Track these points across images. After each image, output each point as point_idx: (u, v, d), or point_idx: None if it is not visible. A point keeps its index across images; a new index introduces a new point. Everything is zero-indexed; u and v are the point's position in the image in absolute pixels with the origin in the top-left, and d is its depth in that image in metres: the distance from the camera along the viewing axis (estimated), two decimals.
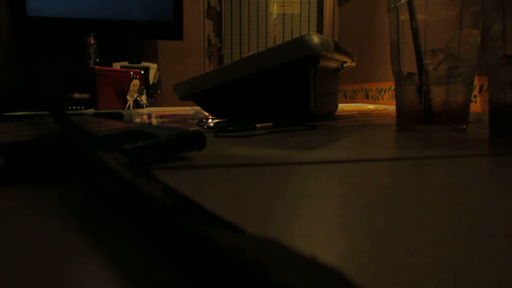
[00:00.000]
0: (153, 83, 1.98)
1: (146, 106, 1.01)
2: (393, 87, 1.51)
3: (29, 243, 0.13)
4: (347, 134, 0.41)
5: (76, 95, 1.54)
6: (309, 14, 2.62)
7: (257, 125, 0.45)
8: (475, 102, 1.34)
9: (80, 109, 1.31)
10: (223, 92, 0.55)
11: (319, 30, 2.60)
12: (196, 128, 0.47)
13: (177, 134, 0.26)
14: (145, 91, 0.98)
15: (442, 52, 0.41)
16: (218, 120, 0.56)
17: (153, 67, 2.00)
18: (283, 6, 2.59)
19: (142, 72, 0.98)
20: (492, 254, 0.12)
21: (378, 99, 2.07)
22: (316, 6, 2.62)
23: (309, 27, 2.61)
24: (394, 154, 0.31)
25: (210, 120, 0.57)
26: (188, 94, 0.57)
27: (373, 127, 0.49)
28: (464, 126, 0.43)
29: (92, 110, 0.82)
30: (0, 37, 1.77)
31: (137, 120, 0.65)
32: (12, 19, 1.86)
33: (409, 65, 0.43)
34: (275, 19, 2.59)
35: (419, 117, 0.43)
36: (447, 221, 0.15)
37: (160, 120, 0.65)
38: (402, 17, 0.43)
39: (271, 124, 0.46)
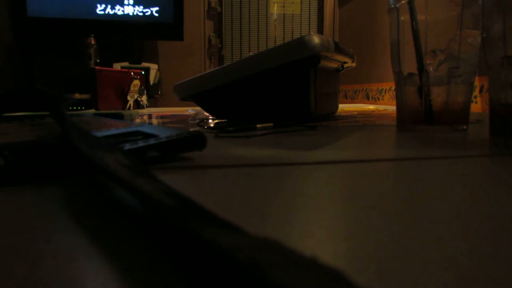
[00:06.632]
0: (153, 84, 1.98)
1: (147, 107, 1.01)
2: (393, 87, 1.52)
3: (29, 243, 0.13)
4: (347, 135, 0.41)
5: (77, 96, 1.54)
6: (309, 15, 2.62)
7: (258, 126, 0.45)
8: (476, 102, 1.34)
9: (81, 109, 1.32)
10: (223, 93, 0.55)
11: (320, 31, 2.60)
12: (197, 128, 0.47)
13: (178, 135, 0.26)
14: (145, 91, 0.98)
15: (442, 53, 0.41)
16: (218, 121, 0.56)
17: (153, 67, 2.01)
18: (284, 6, 2.59)
19: (143, 72, 0.98)
20: (492, 254, 0.12)
21: (378, 99, 2.07)
22: (316, 6, 2.62)
23: (309, 28, 2.61)
24: (395, 155, 0.31)
25: (210, 121, 0.57)
26: (188, 94, 0.57)
27: (374, 128, 0.49)
28: (465, 127, 0.43)
29: (92, 111, 0.82)
30: (0, 37, 1.77)
31: (138, 120, 0.65)
32: (12, 20, 1.86)
33: (410, 66, 0.43)
34: (275, 20, 2.60)
35: (419, 117, 0.43)
36: (447, 221, 0.15)
37: (160, 120, 0.65)
38: (402, 18, 0.43)
39: (271, 124, 0.46)
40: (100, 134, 0.27)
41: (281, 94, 0.53)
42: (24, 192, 0.19)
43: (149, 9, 2.08)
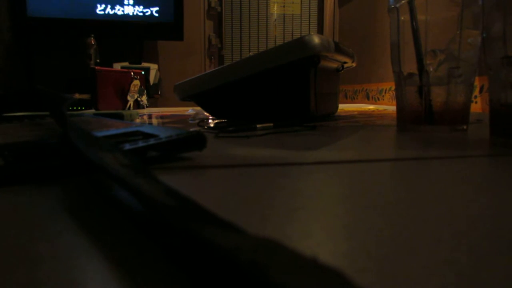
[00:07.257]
0: (153, 84, 1.98)
1: (147, 107, 1.01)
2: (393, 87, 1.52)
3: (29, 243, 0.13)
4: (347, 135, 0.41)
5: (77, 96, 1.54)
6: (309, 15, 2.62)
7: (258, 126, 0.45)
8: (476, 102, 1.34)
9: (81, 109, 1.32)
10: (223, 93, 0.55)
11: (320, 31, 2.59)
12: (197, 128, 0.47)
13: (178, 135, 0.26)
14: (145, 91, 0.98)
15: (442, 53, 0.41)
16: (218, 121, 0.56)
17: (153, 67, 2.01)
18: (284, 6, 2.59)
19: (143, 72, 0.98)
20: (492, 254, 0.12)
21: (378, 99, 2.07)
22: (316, 6, 2.62)
23: (309, 28, 2.61)
24: (395, 155, 0.31)
25: (210, 121, 0.57)
26: (188, 94, 0.57)
27: (374, 128, 0.49)
28: (465, 127, 0.43)
29: (92, 111, 0.82)
30: (0, 37, 1.77)
31: (138, 120, 0.65)
32: (12, 20, 1.86)
33: (410, 66, 0.43)
34: (275, 20, 2.59)
35: (419, 117, 0.43)
36: (447, 221, 0.15)
37: (160, 120, 0.65)
38: (402, 18, 0.43)
39: (271, 124, 0.46)
40: (100, 134, 0.27)
41: (281, 94, 0.53)
42: (24, 192, 0.19)
43: (149, 9, 2.08)
